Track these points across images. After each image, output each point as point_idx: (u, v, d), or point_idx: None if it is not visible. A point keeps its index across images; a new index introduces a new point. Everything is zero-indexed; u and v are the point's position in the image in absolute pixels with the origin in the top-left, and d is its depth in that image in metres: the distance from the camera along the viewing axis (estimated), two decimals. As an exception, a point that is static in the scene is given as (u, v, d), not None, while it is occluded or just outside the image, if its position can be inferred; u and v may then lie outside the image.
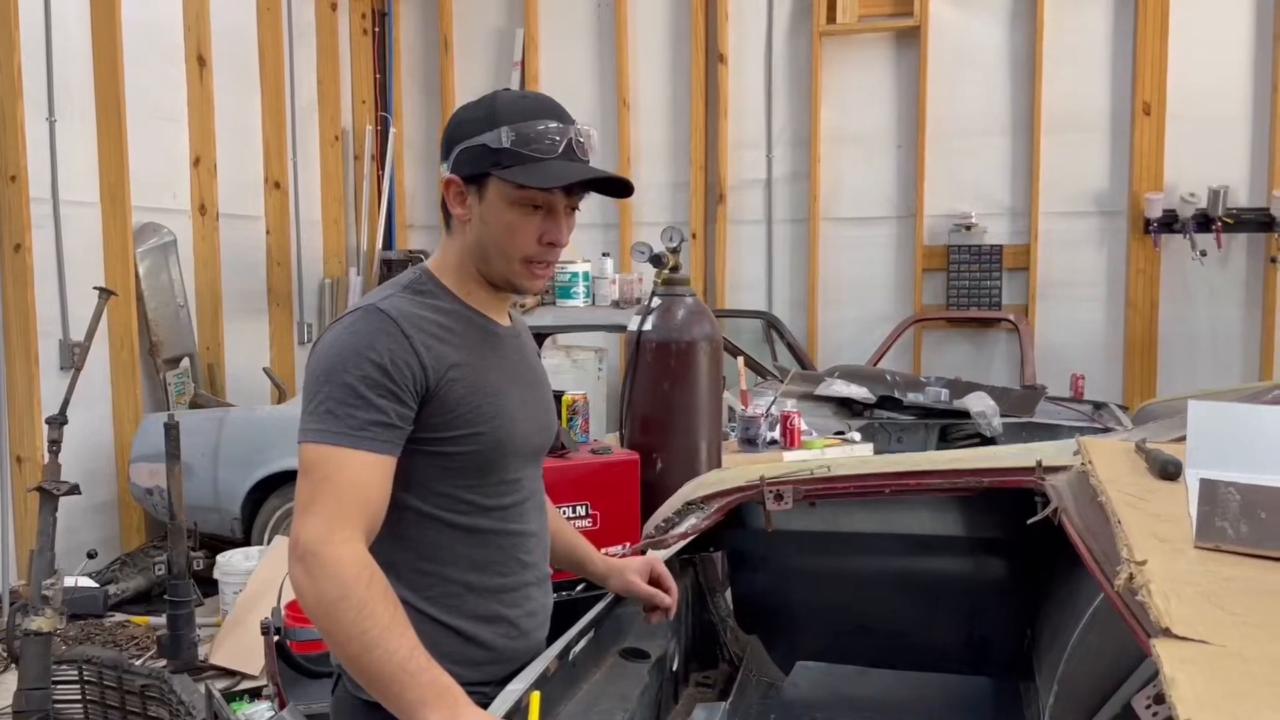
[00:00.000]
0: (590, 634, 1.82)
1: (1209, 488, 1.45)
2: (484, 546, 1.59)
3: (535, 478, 1.69)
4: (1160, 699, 0.97)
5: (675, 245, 3.39)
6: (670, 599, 1.89)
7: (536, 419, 1.66)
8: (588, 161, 1.55)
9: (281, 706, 2.40)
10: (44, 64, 4.96)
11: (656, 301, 3.36)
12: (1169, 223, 6.29)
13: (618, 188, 1.59)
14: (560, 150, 1.51)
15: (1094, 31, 6.51)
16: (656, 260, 3.41)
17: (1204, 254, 6.23)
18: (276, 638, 2.40)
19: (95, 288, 3.79)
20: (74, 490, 3.46)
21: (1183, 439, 1.97)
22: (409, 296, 1.55)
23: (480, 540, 1.58)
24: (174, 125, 5.85)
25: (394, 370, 1.45)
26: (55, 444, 3.49)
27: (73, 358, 4.64)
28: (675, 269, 3.39)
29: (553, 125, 1.51)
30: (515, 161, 1.50)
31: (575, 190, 1.55)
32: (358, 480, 1.42)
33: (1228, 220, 6.18)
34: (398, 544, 1.54)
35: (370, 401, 1.44)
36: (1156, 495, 1.70)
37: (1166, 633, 1.09)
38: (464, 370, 1.53)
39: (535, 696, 1.47)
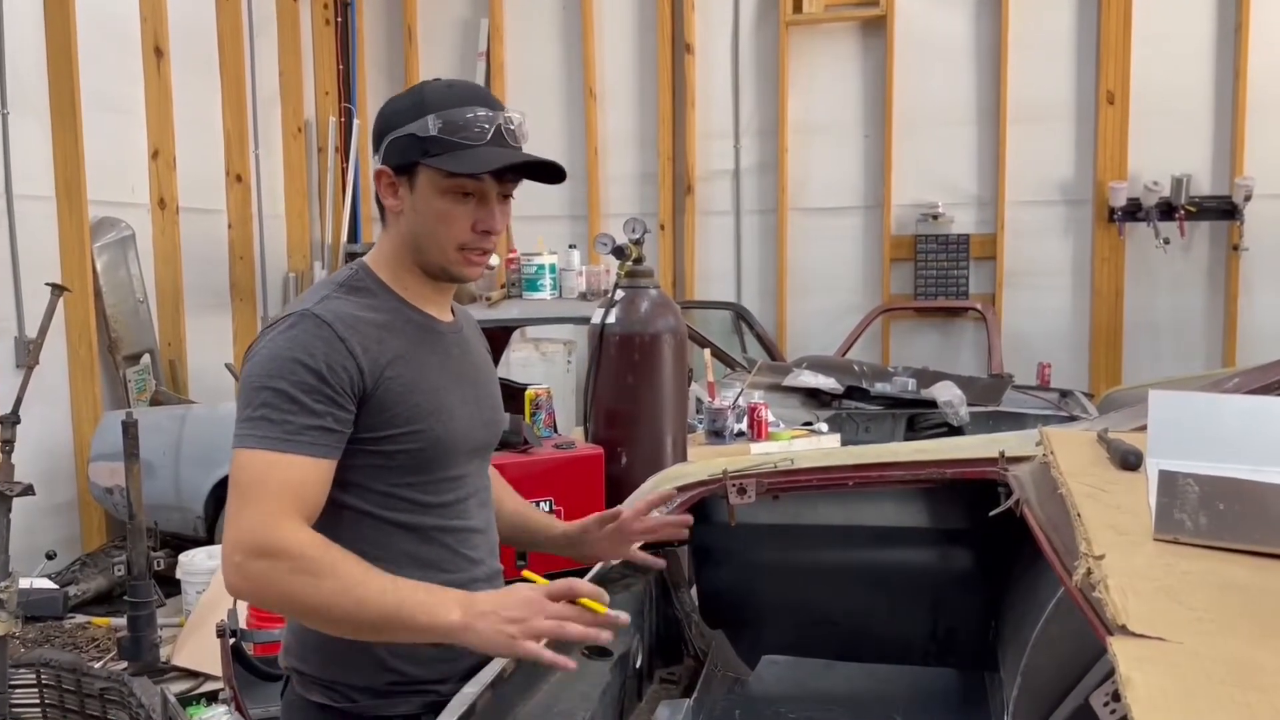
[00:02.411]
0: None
1: (1168, 479, 1.44)
2: (427, 544, 1.56)
3: (480, 474, 1.67)
4: (1118, 696, 0.95)
5: (638, 237, 3.36)
6: (670, 520, 1.86)
7: (479, 415, 1.63)
8: (520, 148, 1.53)
9: (239, 709, 2.36)
10: (-5, 55, 4.86)
11: (619, 294, 3.33)
12: (1133, 211, 6.33)
13: (550, 173, 1.56)
14: (489, 137, 1.49)
15: (1058, 21, 6.54)
16: (619, 252, 3.39)
17: (1167, 242, 6.28)
18: (233, 640, 2.35)
19: (47, 284, 3.70)
20: (28, 491, 3.38)
21: (1144, 428, 1.97)
22: (344, 296, 1.52)
23: (423, 537, 1.56)
24: (131, 118, 5.75)
25: (331, 376, 1.43)
26: (7, 444, 3.41)
27: (28, 355, 4.55)
28: (638, 261, 3.36)
29: (481, 112, 1.49)
30: (443, 149, 1.48)
31: (506, 177, 1.53)
32: (293, 480, 1.39)
33: (1190, 208, 6.23)
34: (337, 542, 1.50)
35: (307, 407, 1.41)
36: (1117, 486, 1.69)
37: (1123, 630, 1.07)
38: (401, 369, 1.50)
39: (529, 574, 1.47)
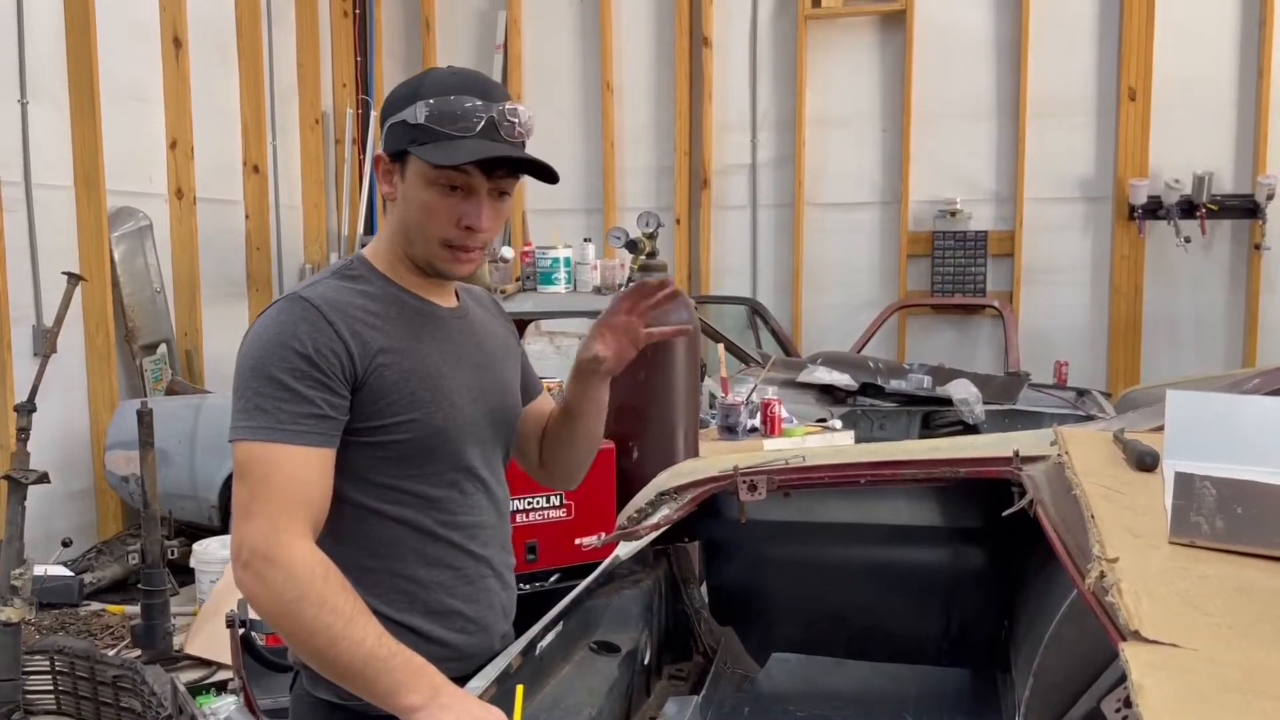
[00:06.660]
0: (558, 627, 1.78)
1: (1184, 481, 1.42)
2: (433, 541, 1.52)
3: (489, 466, 1.60)
4: (1130, 703, 0.94)
5: (651, 230, 3.35)
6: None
7: (486, 402, 1.58)
8: (519, 144, 1.48)
9: (247, 701, 2.36)
10: (15, 45, 4.87)
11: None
12: (1153, 209, 6.28)
13: (543, 172, 1.50)
14: (479, 129, 1.43)
15: (1079, 16, 6.48)
16: (632, 246, 3.37)
17: (1188, 240, 6.21)
18: (242, 631, 2.36)
19: (64, 273, 3.71)
20: (43, 479, 3.40)
21: (1162, 429, 1.94)
22: (336, 282, 1.49)
23: (428, 534, 1.51)
24: (149, 108, 5.76)
25: (320, 359, 1.40)
26: (23, 431, 3.43)
27: (45, 343, 4.58)
28: (651, 254, 3.35)
29: (473, 102, 1.44)
30: (430, 139, 1.43)
31: (496, 172, 1.46)
32: (297, 477, 1.37)
33: (1212, 207, 6.17)
34: (340, 541, 1.47)
35: (300, 394, 1.38)
36: (1133, 488, 1.67)
37: (1136, 636, 1.05)
38: (394, 355, 1.46)
39: (520, 690, 1.44)
